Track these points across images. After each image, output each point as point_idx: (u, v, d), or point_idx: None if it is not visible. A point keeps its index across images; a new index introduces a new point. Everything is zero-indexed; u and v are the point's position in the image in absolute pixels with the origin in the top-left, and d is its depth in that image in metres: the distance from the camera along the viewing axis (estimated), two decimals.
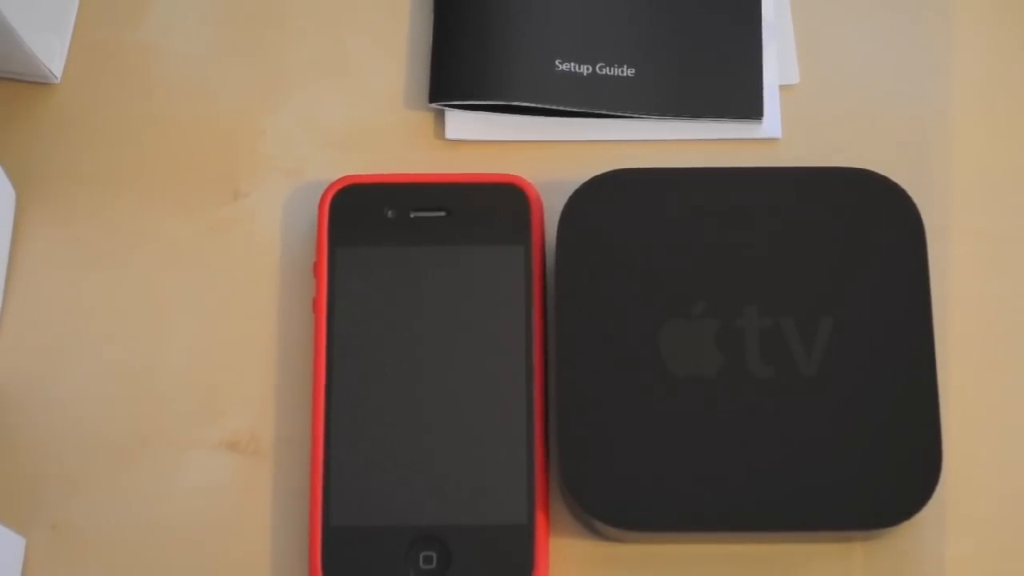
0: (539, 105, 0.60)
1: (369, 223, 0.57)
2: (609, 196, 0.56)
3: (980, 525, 0.55)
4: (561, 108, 0.60)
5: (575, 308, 0.55)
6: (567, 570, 0.55)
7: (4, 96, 0.61)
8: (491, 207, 0.57)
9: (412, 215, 0.57)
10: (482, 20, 0.60)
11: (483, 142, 0.60)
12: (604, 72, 0.60)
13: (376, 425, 0.55)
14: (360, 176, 0.58)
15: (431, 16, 0.61)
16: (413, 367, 0.56)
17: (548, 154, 0.60)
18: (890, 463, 0.53)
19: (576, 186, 0.57)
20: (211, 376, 0.57)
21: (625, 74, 0.60)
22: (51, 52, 0.60)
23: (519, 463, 0.55)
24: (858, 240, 0.56)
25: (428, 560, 0.54)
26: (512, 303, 0.56)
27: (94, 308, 0.58)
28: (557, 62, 0.60)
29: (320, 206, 0.57)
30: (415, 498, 0.54)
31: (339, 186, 0.58)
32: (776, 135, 0.60)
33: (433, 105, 0.60)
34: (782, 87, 0.61)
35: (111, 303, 0.58)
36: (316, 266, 0.57)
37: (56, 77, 0.61)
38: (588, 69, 0.60)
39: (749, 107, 0.60)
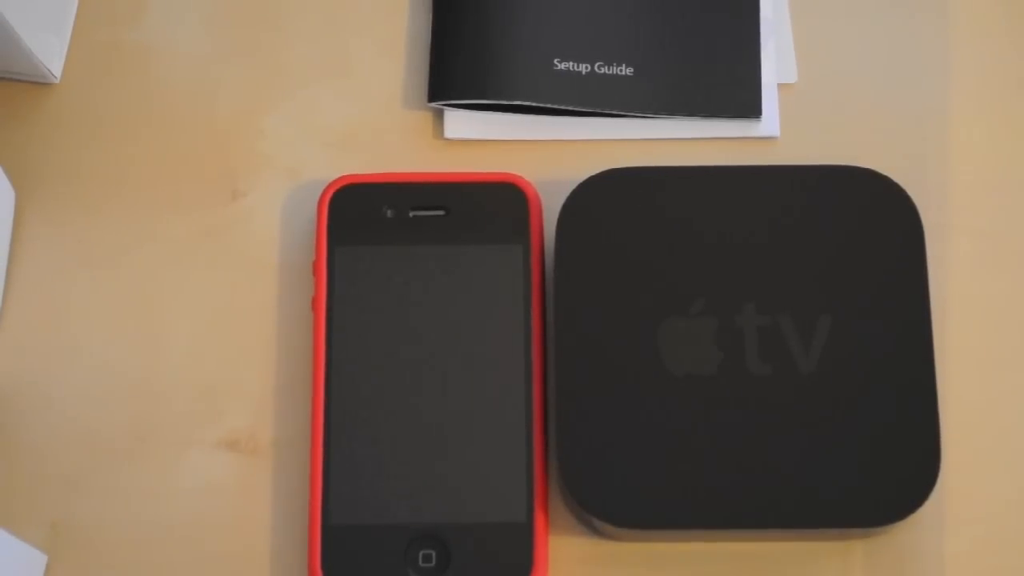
0: (538, 104, 0.60)
1: (368, 222, 0.57)
2: (608, 195, 0.56)
3: (979, 522, 0.55)
4: (560, 107, 0.60)
5: (574, 307, 0.55)
6: (566, 568, 0.55)
7: (4, 96, 0.61)
8: (490, 206, 0.57)
9: (411, 214, 0.57)
10: (481, 19, 0.60)
11: (482, 141, 0.60)
12: (603, 71, 0.60)
13: (375, 424, 0.55)
14: (359, 175, 0.58)
15: (430, 16, 0.61)
16: (412, 366, 0.56)
17: (547, 153, 0.60)
18: (889, 461, 0.53)
19: (575, 185, 0.57)
20: (210, 376, 0.57)
21: (624, 73, 0.60)
22: (50, 52, 0.60)
23: (518, 461, 0.55)
24: (856, 238, 0.56)
25: (427, 559, 0.54)
26: (511, 302, 0.56)
27: (93, 307, 0.58)
28: (556, 61, 0.60)
29: (319, 205, 0.57)
30: (414, 497, 0.54)
31: (338, 185, 0.58)
32: (774, 134, 0.60)
33: (432, 104, 0.60)
34: (780, 86, 0.61)
35: (110, 302, 0.58)
36: (315, 265, 0.57)
37: (55, 77, 0.61)
38: (587, 68, 0.60)
39: (747, 106, 0.60)
